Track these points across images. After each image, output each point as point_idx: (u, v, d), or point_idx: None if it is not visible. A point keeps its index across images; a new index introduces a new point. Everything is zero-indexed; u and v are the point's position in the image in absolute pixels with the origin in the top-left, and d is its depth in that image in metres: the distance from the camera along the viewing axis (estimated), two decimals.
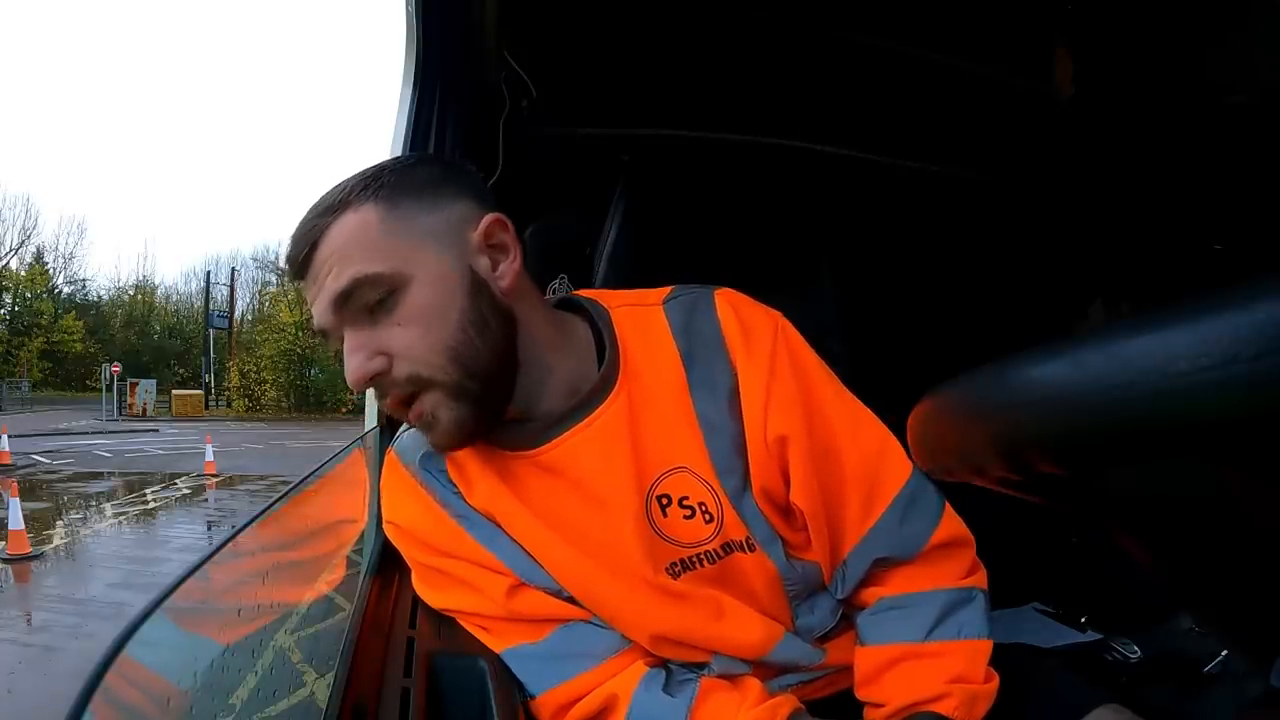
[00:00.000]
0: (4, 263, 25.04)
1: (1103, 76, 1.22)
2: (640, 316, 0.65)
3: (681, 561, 0.62)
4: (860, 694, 0.64)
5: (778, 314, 0.66)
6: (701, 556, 0.62)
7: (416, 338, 0.56)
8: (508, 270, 0.60)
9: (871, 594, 0.65)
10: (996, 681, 0.61)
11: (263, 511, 0.56)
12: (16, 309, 24.92)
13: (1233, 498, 0.25)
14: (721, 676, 0.63)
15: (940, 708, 0.59)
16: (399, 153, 1.00)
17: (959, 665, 0.61)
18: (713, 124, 1.36)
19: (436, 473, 0.65)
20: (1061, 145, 1.36)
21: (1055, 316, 1.48)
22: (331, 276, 0.57)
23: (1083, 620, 1.26)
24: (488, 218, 0.60)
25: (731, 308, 0.64)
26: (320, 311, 0.58)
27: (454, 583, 0.64)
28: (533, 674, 0.62)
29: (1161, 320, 0.22)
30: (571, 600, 0.63)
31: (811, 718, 0.61)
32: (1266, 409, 0.20)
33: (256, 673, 0.47)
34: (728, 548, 0.62)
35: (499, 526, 0.63)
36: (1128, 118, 1.28)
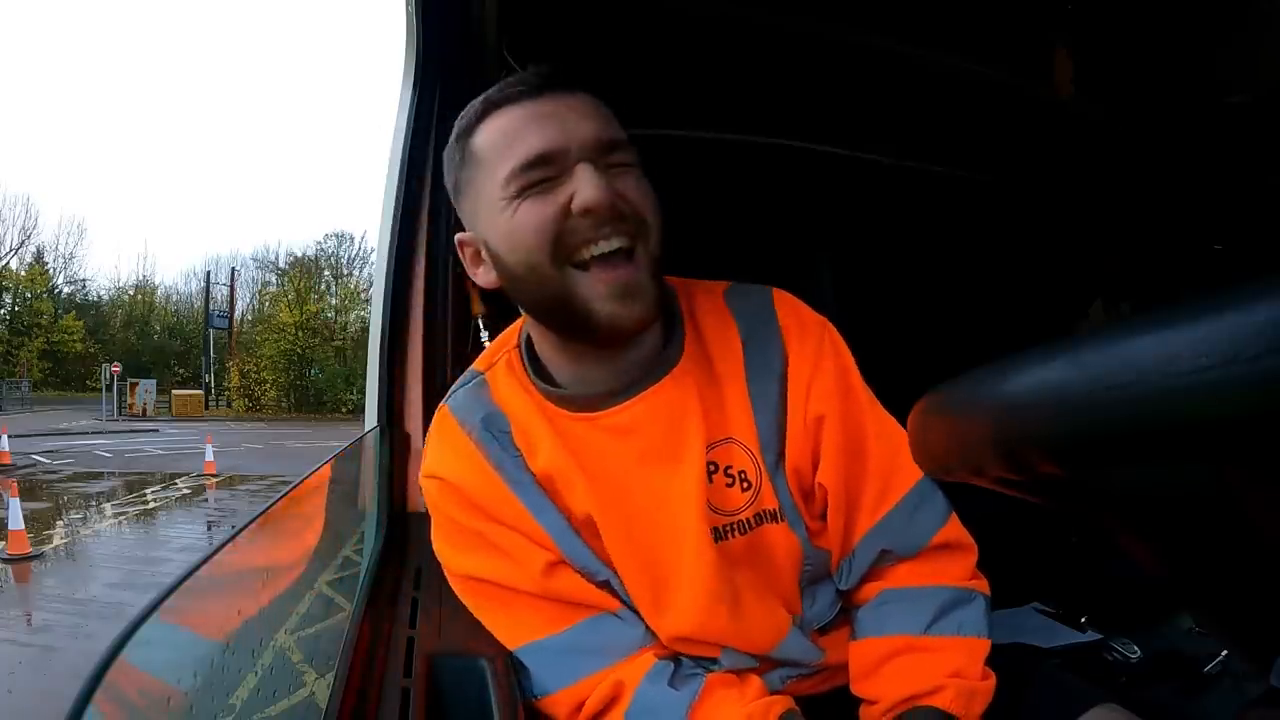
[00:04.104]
0: (4, 263, 25.03)
1: (1103, 76, 1.22)
2: (705, 300, 0.69)
3: (719, 530, 0.64)
4: (857, 689, 0.66)
5: (825, 319, 0.70)
6: (735, 526, 0.65)
7: (646, 197, 0.60)
8: None
9: (873, 588, 0.67)
10: (994, 680, 0.62)
11: (263, 511, 0.56)
12: (16, 309, 24.91)
13: (1233, 497, 0.25)
14: (728, 672, 0.64)
15: (937, 701, 0.60)
16: (399, 153, 1.00)
17: (957, 661, 0.62)
18: (713, 124, 1.36)
19: (499, 434, 0.65)
20: (1061, 145, 1.36)
21: (1055, 316, 1.48)
22: (603, 122, 0.60)
23: (1083, 620, 1.26)
24: None
25: (788, 304, 0.69)
26: (572, 137, 0.58)
27: (488, 547, 0.64)
28: (550, 669, 0.63)
29: (1161, 320, 0.22)
30: (607, 585, 0.64)
31: (803, 718, 0.62)
32: (1266, 409, 0.20)
33: (256, 673, 0.47)
34: (760, 517, 0.65)
35: (552, 499, 0.64)
36: (1128, 118, 1.28)
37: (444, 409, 0.69)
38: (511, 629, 0.64)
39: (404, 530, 0.86)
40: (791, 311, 0.68)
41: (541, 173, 0.57)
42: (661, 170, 1.18)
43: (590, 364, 0.64)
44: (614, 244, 0.58)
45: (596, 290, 0.58)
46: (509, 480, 0.64)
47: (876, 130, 1.35)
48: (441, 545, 0.67)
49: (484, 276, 0.65)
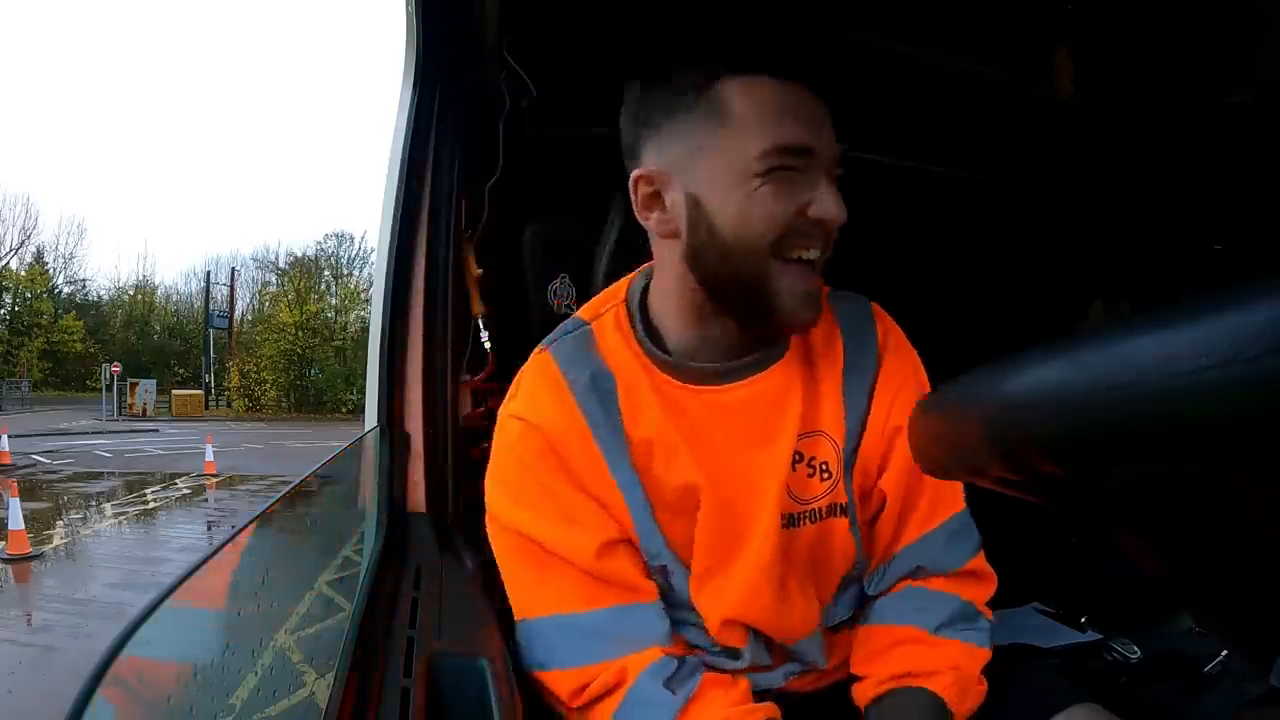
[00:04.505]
0: (4, 263, 25.00)
1: (1103, 76, 1.22)
2: None
3: (792, 516, 0.67)
4: (857, 669, 0.69)
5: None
6: (808, 514, 0.67)
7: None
8: None
9: (899, 584, 0.71)
10: (985, 687, 0.66)
11: (263, 511, 0.56)
12: (16, 309, 24.89)
13: (1233, 497, 0.25)
14: (731, 672, 0.66)
15: (933, 684, 0.63)
16: (399, 153, 1.00)
17: (959, 658, 0.65)
18: None
19: (604, 394, 0.65)
20: (1061, 145, 1.36)
21: (1055, 316, 1.48)
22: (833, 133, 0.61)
23: (1083, 620, 1.26)
24: None
25: (885, 318, 0.72)
26: (825, 139, 0.60)
27: (551, 507, 0.64)
28: (566, 646, 0.63)
29: (1161, 320, 0.22)
30: (660, 572, 0.66)
31: None
32: (1266, 409, 0.20)
33: (256, 673, 0.47)
34: (831, 509, 0.68)
35: (640, 471, 0.64)
36: (1128, 118, 1.28)
37: (545, 354, 0.68)
38: (539, 596, 0.64)
39: (404, 530, 0.86)
40: (890, 326, 0.72)
41: (794, 162, 0.58)
42: None
43: (713, 341, 0.65)
44: (815, 253, 0.61)
45: (791, 288, 0.60)
46: (602, 443, 0.64)
47: (876, 130, 1.35)
48: (498, 492, 0.67)
49: (660, 225, 0.63)
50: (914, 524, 0.69)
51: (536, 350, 0.69)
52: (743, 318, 0.63)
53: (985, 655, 0.67)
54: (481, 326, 1.10)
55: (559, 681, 0.63)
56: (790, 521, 0.66)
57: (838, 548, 0.69)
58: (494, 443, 0.68)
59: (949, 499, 0.70)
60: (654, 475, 0.64)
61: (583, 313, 0.71)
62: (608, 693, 0.61)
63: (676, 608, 0.68)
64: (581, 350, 0.66)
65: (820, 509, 0.67)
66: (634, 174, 0.64)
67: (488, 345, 1.10)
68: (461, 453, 1.06)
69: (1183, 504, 0.27)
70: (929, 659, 0.65)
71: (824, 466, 0.67)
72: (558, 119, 1.15)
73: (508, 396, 0.69)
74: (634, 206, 0.65)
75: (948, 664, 0.64)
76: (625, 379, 0.65)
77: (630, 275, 0.71)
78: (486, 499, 0.67)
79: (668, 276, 0.65)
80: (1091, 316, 1.52)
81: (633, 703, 0.60)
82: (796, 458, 0.66)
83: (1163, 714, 1.05)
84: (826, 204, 0.58)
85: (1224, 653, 1.04)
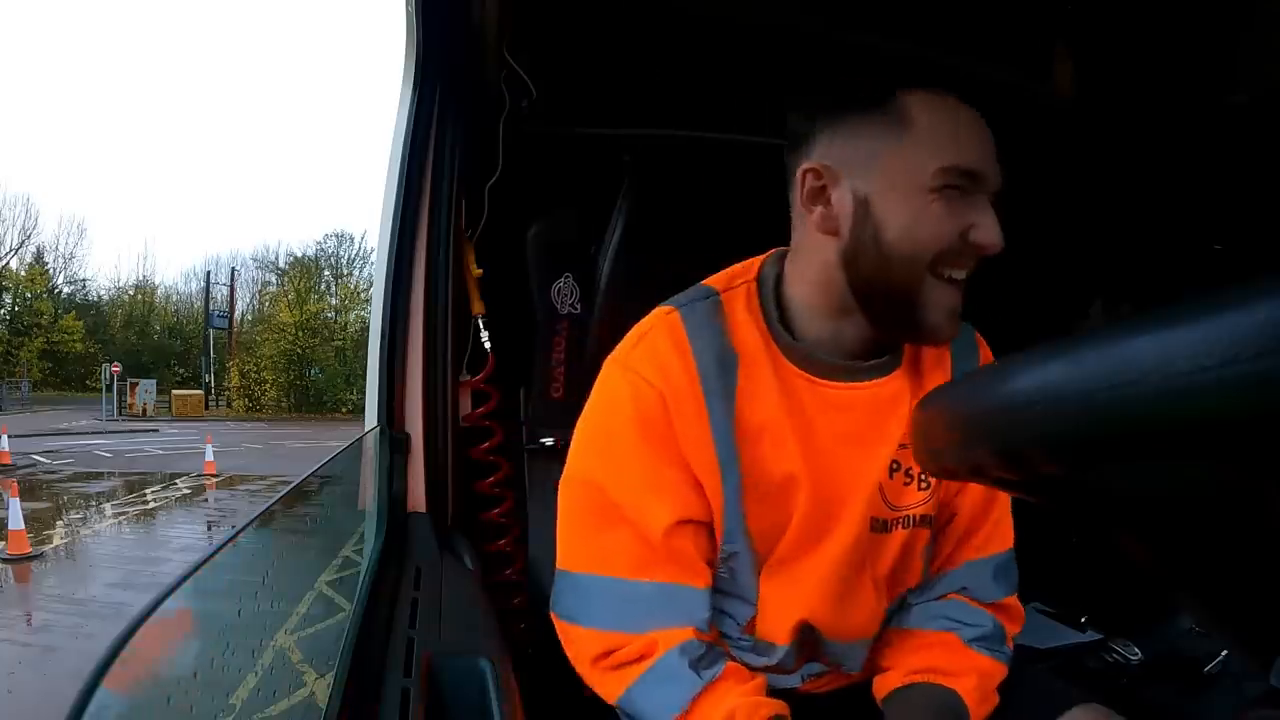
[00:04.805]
0: (4, 263, 24.99)
1: (1103, 77, 1.22)
2: None
3: (884, 522, 0.67)
4: (885, 661, 0.71)
5: None
6: (902, 520, 0.68)
7: None
8: None
9: (942, 597, 0.73)
10: (998, 701, 0.68)
11: (263, 512, 0.56)
12: (16, 309, 24.88)
13: (1233, 497, 0.25)
14: (740, 665, 0.66)
15: (959, 685, 0.65)
16: (399, 152, 1.00)
17: (985, 667, 0.68)
18: (714, 124, 1.36)
19: (727, 369, 0.64)
20: (1061, 145, 1.36)
21: (1055, 316, 1.48)
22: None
23: (1083, 620, 1.26)
24: None
25: (985, 346, 0.74)
26: (991, 167, 0.61)
27: (640, 466, 0.63)
28: (606, 606, 0.63)
29: (1161, 320, 0.22)
30: (728, 560, 0.66)
31: None
32: (1266, 409, 0.20)
33: (256, 673, 0.47)
34: (925, 520, 0.69)
35: (742, 454, 0.64)
36: (1128, 118, 1.28)
37: (675, 317, 0.66)
38: (594, 552, 0.64)
39: (404, 530, 0.86)
40: (987, 355, 0.73)
41: (965, 184, 0.59)
42: (662, 170, 1.19)
43: (844, 339, 0.65)
44: (964, 273, 0.62)
45: (940, 303, 0.61)
46: (714, 419, 0.63)
47: None
48: (588, 440, 0.66)
49: (822, 219, 0.63)
50: (971, 548, 0.72)
51: (664, 309, 0.68)
52: (885, 324, 0.64)
53: (1003, 672, 0.69)
54: (481, 326, 1.10)
55: (586, 639, 0.63)
56: (881, 526, 0.67)
57: (917, 555, 0.70)
58: (597, 391, 0.67)
59: (1004, 534, 0.72)
60: (757, 460, 0.64)
61: (714, 281, 0.69)
62: (632, 661, 0.62)
63: (727, 596, 0.68)
64: (711, 322, 0.65)
65: (914, 516, 0.68)
66: (802, 166, 0.63)
67: (488, 345, 1.10)
68: (461, 453, 1.06)
69: (1183, 504, 0.27)
70: (957, 662, 0.67)
71: (922, 476, 0.68)
72: (558, 119, 1.15)
73: (624, 347, 0.67)
74: (796, 198, 0.64)
75: (975, 670, 0.67)
76: (749, 358, 0.64)
77: (764, 255, 0.70)
78: (572, 445, 0.67)
79: (813, 269, 0.64)
80: (1091, 316, 1.52)
81: (655, 677, 0.61)
82: (894, 466, 0.66)
83: (1163, 714, 1.05)
84: (989, 230, 0.59)
85: (1224, 653, 1.04)
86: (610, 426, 0.65)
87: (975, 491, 0.70)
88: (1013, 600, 0.73)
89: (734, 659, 0.67)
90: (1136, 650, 1.14)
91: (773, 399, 0.64)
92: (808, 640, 0.69)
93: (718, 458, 0.63)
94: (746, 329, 0.65)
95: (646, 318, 0.68)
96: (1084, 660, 1.16)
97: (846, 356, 0.65)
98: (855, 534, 0.65)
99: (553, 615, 0.66)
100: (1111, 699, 0.69)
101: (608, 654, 0.62)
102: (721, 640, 0.69)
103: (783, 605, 0.67)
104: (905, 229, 0.59)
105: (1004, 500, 0.72)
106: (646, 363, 0.64)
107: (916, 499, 0.68)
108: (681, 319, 0.66)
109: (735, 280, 0.68)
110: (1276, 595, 0.28)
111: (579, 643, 0.64)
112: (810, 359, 0.65)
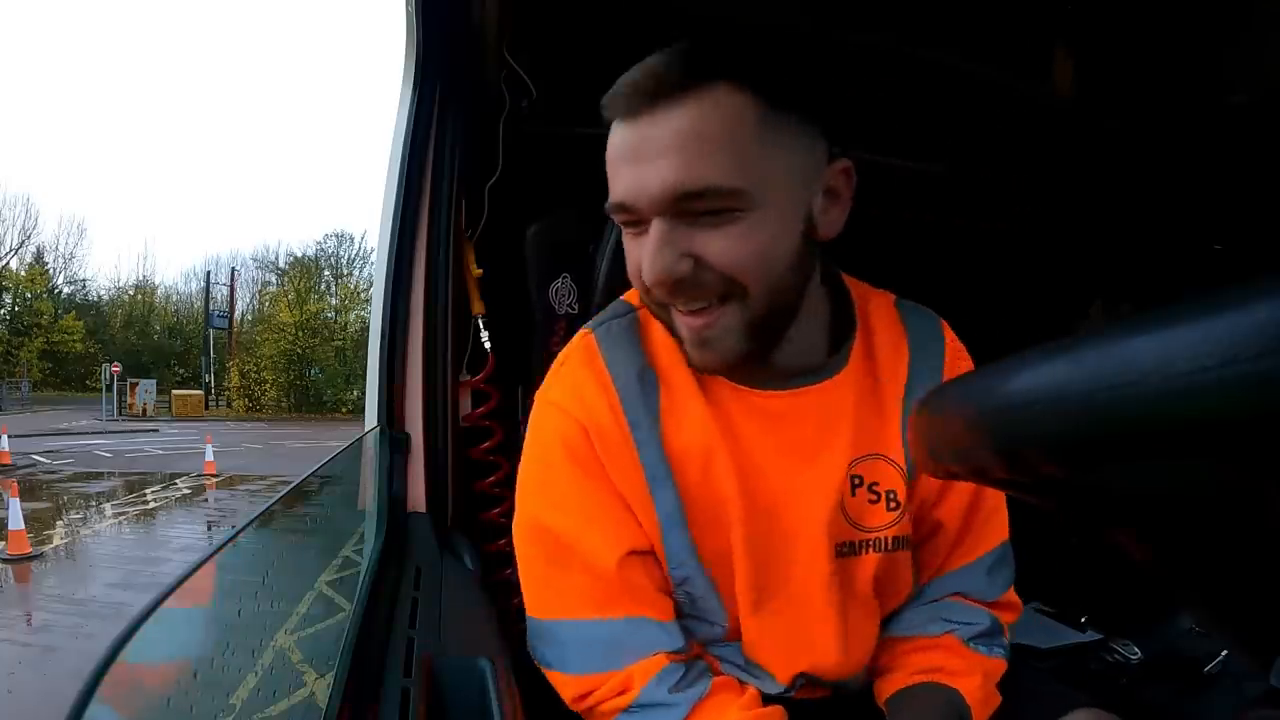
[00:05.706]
0: (4, 263, 25.00)
1: (1103, 77, 1.22)
2: (880, 309, 0.68)
3: (851, 544, 0.63)
4: (886, 664, 0.69)
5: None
6: (873, 543, 0.63)
7: (737, 257, 0.52)
8: (838, 220, 0.58)
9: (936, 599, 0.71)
10: (1000, 700, 0.67)
11: (262, 512, 0.56)
12: (16, 309, 24.89)
13: (1234, 497, 0.25)
14: (731, 678, 0.65)
15: (962, 686, 0.64)
16: (399, 152, 1.00)
17: (987, 667, 0.67)
18: None
19: (648, 391, 0.60)
20: (1061, 145, 1.36)
21: (1055, 316, 1.48)
22: (680, 166, 0.50)
23: (1083, 620, 1.26)
24: (844, 164, 0.58)
25: (951, 335, 0.68)
26: (643, 190, 0.52)
27: (580, 504, 0.60)
28: (574, 651, 0.61)
29: (1161, 320, 0.22)
30: (683, 585, 0.62)
31: None
32: (1267, 409, 0.20)
33: (257, 673, 0.47)
34: (900, 541, 0.64)
35: (678, 477, 0.60)
36: (1128, 118, 1.28)
37: (590, 340, 0.63)
38: (552, 596, 0.62)
39: (404, 530, 0.86)
40: (956, 344, 0.68)
41: (626, 217, 0.54)
42: None
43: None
44: (694, 305, 0.55)
45: (683, 332, 0.56)
46: (640, 445, 0.60)
47: (876, 130, 1.35)
48: (528, 481, 0.63)
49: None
50: (961, 554, 0.69)
51: (582, 331, 0.65)
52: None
53: (1004, 669, 0.68)
54: (481, 326, 1.10)
55: (566, 684, 0.62)
56: (849, 549, 0.63)
57: (901, 581, 0.67)
58: (530, 428, 0.64)
59: (997, 528, 0.69)
60: (690, 482, 0.60)
61: (630, 296, 0.66)
62: (612, 697, 0.60)
63: (698, 620, 0.65)
64: (629, 342, 0.62)
65: (886, 539, 0.63)
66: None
67: (487, 345, 1.10)
68: (461, 453, 1.06)
69: (1183, 504, 0.27)
70: (961, 662, 0.66)
71: (891, 495, 0.63)
72: (558, 119, 1.15)
73: (549, 376, 0.64)
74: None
75: (979, 669, 0.65)
76: (671, 377, 0.61)
77: None
78: (517, 487, 0.64)
79: None
80: (1091, 316, 1.52)
81: (640, 710, 0.60)
82: (856, 481, 0.62)
83: (1163, 714, 1.05)
84: (645, 263, 0.54)
85: (1224, 653, 1.04)
86: (545, 464, 0.62)
87: (956, 500, 0.66)
88: (1010, 595, 0.71)
89: (725, 662, 0.66)
90: (1136, 650, 1.14)
91: (699, 415, 0.60)
92: (810, 681, 0.67)
93: (647, 483, 0.60)
94: (665, 344, 0.61)
95: (569, 342, 0.66)
96: (1084, 660, 1.16)
97: (780, 361, 0.60)
98: (820, 558, 0.61)
99: (538, 668, 0.63)
100: (1111, 699, 0.68)
101: (585, 695, 0.61)
102: (706, 653, 0.66)
103: (777, 654, 0.64)
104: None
105: (991, 496, 0.68)
106: (567, 394, 0.61)
107: (885, 520, 0.63)
108: (597, 341, 0.63)
109: None
110: (1276, 595, 0.28)
111: (561, 688, 0.62)
112: (737, 374, 0.60)
